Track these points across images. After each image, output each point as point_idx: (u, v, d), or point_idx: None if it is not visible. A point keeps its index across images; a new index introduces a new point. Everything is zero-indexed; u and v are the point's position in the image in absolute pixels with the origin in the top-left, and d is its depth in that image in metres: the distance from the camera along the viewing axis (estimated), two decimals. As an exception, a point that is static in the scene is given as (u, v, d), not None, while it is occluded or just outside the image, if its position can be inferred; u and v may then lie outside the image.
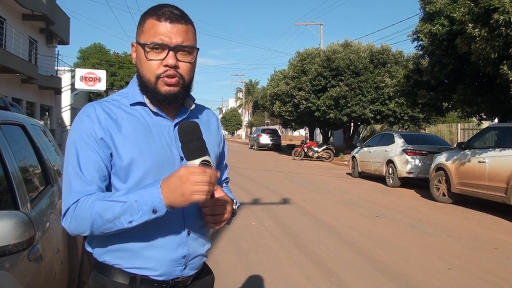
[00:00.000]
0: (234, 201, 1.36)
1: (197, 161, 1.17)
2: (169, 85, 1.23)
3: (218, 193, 1.24)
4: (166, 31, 1.20)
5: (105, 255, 1.26)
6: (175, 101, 1.26)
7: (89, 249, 1.32)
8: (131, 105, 1.28)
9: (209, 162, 1.18)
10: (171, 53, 1.21)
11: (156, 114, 1.29)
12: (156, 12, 1.23)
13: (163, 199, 1.12)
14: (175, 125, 1.29)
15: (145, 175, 1.23)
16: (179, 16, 1.23)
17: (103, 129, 1.22)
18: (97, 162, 1.21)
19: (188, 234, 1.28)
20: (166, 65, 1.21)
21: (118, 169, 1.23)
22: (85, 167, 1.20)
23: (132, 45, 1.29)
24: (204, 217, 1.25)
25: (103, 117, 1.23)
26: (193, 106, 1.35)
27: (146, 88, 1.25)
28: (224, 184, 1.54)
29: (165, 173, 1.21)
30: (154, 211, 1.12)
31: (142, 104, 1.29)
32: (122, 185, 1.23)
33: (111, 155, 1.23)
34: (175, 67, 1.22)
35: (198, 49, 1.27)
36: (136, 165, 1.22)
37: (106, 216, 1.13)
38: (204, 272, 1.41)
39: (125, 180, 1.23)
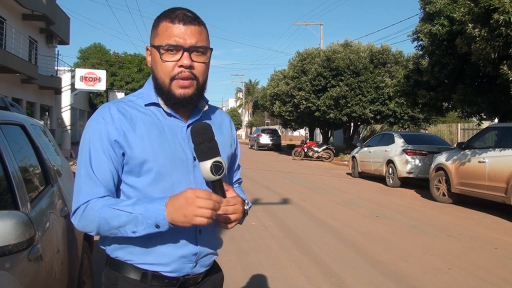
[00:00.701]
0: (246, 201, 1.37)
1: (209, 162, 1.20)
2: (183, 87, 1.25)
3: (230, 194, 1.26)
4: (180, 32, 1.23)
5: (117, 251, 1.29)
6: (189, 104, 1.29)
7: (101, 245, 1.34)
8: (146, 105, 1.31)
9: (220, 163, 1.21)
10: (185, 53, 1.23)
11: (169, 115, 1.31)
12: (170, 15, 1.26)
13: (166, 216, 1.14)
14: (188, 126, 1.31)
15: (158, 175, 1.25)
16: (192, 18, 1.26)
17: (117, 129, 1.25)
18: (108, 165, 1.24)
19: (200, 232, 1.30)
20: (181, 66, 1.23)
21: (131, 167, 1.26)
22: (97, 169, 1.24)
23: (147, 49, 1.32)
24: (216, 216, 1.27)
25: (117, 117, 1.26)
26: (206, 107, 1.38)
27: (161, 90, 1.28)
28: (237, 185, 1.56)
29: (178, 173, 1.27)
30: (157, 226, 1.16)
31: (156, 104, 1.31)
32: (136, 180, 1.26)
33: (123, 154, 1.26)
34: (190, 67, 1.24)
35: (211, 49, 1.30)
36: (150, 165, 1.25)
37: (112, 223, 1.18)
38: (214, 270, 1.43)
39: (138, 176, 1.26)
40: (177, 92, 1.25)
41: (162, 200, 1.16)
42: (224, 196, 1.23)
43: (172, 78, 1.25)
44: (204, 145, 1.21)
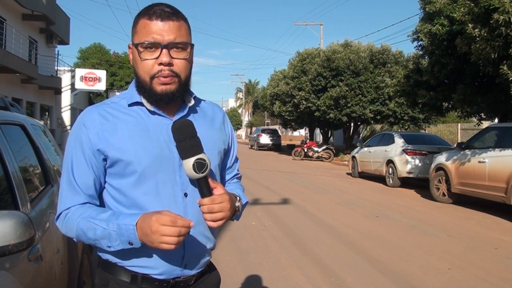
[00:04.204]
0: (237, 198, 1.34)
1: (192, 160, 1.18)
2: (164, 84, 1.22)
3: (218, 191, 1.24)
4: (158, 29, 1.20)
5: (108, 253, 1.28)
6: (172, 100, 1.25)
7: (93, 246, 1.34)
8: (129, 105, 1.29)
9: (204, 160, 1.18)
10: (164, 50, 1.20)
11: (153, 113, 1.28)
12: (148, 12, 1.23)
13: (137, 236, 1.15)
14: (172, 124, 1.28)
15: (141, 176, 1.24)
16: (170, 13, 1.23)
17: (98, 135, 1.24)
18: (89, 172, 1.25)
19: (188, 232, 1.27)
20: (160, 64, 1.21)
21: (115, 170, 1.25)
22: (77, 176, 1.25)
23: (129, 47, 1.29)
24: (203, 215, 1.24)
25: (98, 122, 1.25)
26: (192, 102, 1.34)
27: (143, 88, 1.25)
28: (235, 180, 1.52)
29: (163, 173, 1.25)
30: (130, 243, 1.17)
31: (140, 104, 1.29)
32: (120, 182, 1.25)
33: (105, 159, 1.25)
34: (170, 64, 1.21)
35: (192, 45, 1.27)
36: (133, 167, 1.23)
37: (88, 235, 1.20)
38: (209, 272, 1.40)
39: (122, 178, 1.25)
40: (158, 89, 1.22)
41: (133, 220, 1.16)
42: (210, 194, 1.21)
43: (152, 77, 1.22)
44: (186, 142, 1.19)
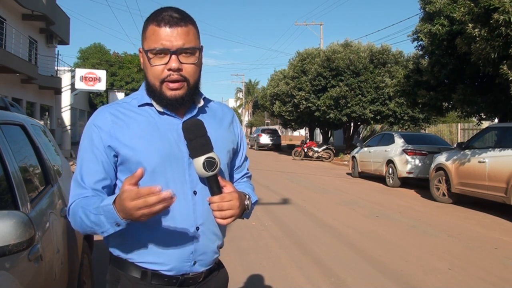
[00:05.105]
0: (247, 196, 1.37)
1: (202, 158, 1.21)
2: (173, 89, 1.26)
3: (227, 189, 1.27)
4: (166, 35, 1.23)
5: (119, 249, 1.31)
6: (181, 105, 1.29)
7: (105, 242, 1.37)
8: (140, 106, 1.33)
9: (213, 159, 1.21)
10: (173, 57, 1.23)
11: (162, 113, 1.32)
12: (156, 18, 1.26)
13: (118, 214, 1.13)
14: (183, 123, 1.31)
15: (151, 173, 1.26)
16: (178, 19, 1.25)
17: (110, 133, 1.27)
18: (98, 171, 1.28)
19: (197, 229, 1.30)
20: (170, 69, 1.24)
21: (126, 167, 1.28)
22: (86, 175, 1.28)
23: (140, 51, 1.33)
24: (212, 212, 1.26)
25: (110, 120, 1.29)
26: (202, 102, 1.37)
27: (153, 92, 1.29)
28: (245, 179, 1.55)
29: (173, 171, 1.28)
30: (117, 224, 1.15)
31: (150, 104, 1.32)
32: None
33: (116, 156, 1.28)
34: (179, 70, 1.24)
35: (200, 49, 1.29)
36: (143, 164, 1.25)
37: (86, 223, 1.21)
38: (217, 269, 1.43)
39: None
40: (168, 94, 1.26)
41: (111, 199, 1.14)
42: (220, 192, 1.24)
43: (162, 81, 1.25)
44: (196, 141, 1.22)
